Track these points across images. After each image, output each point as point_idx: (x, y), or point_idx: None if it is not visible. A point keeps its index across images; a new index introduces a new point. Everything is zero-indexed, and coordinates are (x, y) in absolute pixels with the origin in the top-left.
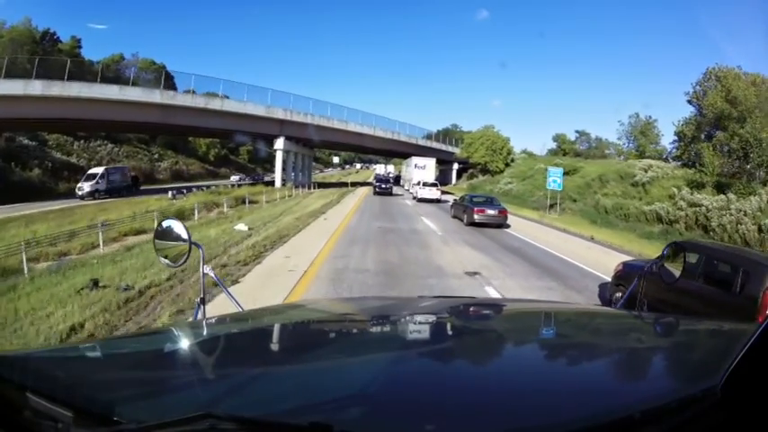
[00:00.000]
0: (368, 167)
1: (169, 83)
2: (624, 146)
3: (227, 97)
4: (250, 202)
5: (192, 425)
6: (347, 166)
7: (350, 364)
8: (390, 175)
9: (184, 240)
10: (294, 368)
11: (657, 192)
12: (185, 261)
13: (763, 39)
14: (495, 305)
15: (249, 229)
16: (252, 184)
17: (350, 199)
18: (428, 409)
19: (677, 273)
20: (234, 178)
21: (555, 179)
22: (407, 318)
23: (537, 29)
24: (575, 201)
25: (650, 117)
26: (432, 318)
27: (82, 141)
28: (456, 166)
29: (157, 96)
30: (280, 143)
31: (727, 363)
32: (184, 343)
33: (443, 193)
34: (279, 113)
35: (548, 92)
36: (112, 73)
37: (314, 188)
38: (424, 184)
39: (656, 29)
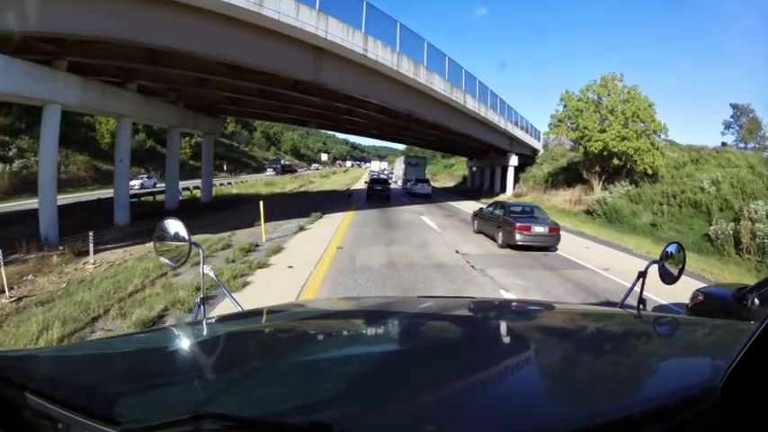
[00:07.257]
0: (359, 165)
1: None
2: None
3: None
4: None
5: (192, 425)
6: (318, 166)
7: (350, 363)
8: (386, 173)
9: (184, 240)
10: (294, 368)
11: None
12: (185, 261)
13: None
14: (495, 305)
15: None
16: None
17: None
18: (428, 409)
19: (675, 272)
20: None
21: None
22: (408, 317)
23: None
24: None
25: None
26: (432, 318)
27: None
28: (513, 160)
29: None
30: None
31: (727, 363)
32: (184, 343)
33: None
34: None
35: None
36: None
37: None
38: (417, 181)
39: None
